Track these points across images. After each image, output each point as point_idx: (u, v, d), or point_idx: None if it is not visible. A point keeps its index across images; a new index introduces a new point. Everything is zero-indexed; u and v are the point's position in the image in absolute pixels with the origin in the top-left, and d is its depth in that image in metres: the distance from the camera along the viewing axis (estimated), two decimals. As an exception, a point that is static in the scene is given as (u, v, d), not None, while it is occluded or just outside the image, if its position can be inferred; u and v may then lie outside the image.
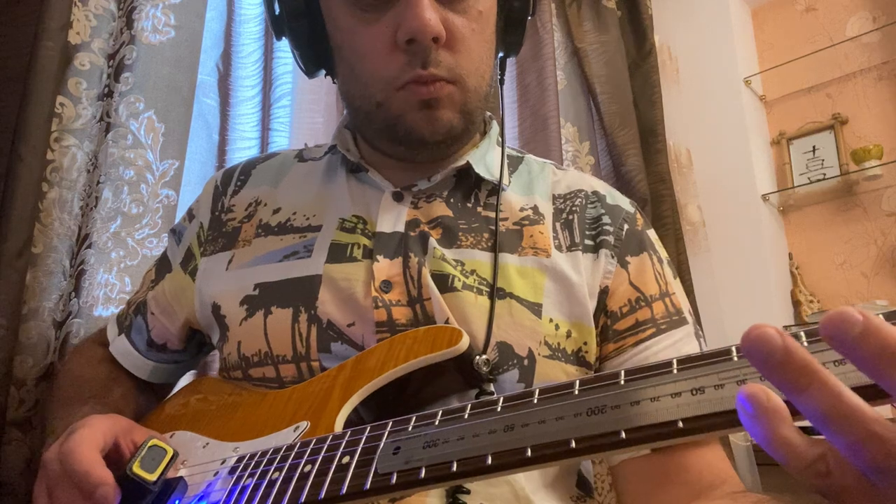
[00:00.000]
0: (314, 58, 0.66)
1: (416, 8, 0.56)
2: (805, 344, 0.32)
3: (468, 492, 0.52)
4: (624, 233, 0.66)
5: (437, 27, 0.56)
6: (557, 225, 0.66)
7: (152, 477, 0.47)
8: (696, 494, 0.53)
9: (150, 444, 0.48)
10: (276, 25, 0.66)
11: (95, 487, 0.46)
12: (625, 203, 0.70)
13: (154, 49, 1.03)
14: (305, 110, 1.25)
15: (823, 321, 0.27)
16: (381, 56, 0.59)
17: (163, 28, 1.05)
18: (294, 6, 0.63)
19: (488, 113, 0.74)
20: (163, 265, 0.75)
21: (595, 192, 0.69)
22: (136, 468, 0.47)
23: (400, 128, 0.61)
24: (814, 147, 1.93)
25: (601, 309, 0.63)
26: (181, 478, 0.50)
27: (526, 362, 0.57)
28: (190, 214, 0.75)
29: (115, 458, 0.51)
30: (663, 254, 0.69)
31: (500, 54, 0.69)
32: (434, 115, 0.60)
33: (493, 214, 0.65)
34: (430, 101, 0.59)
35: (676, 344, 0.62)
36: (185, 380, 0.81)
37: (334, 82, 0.69)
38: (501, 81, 0.70)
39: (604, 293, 0.63)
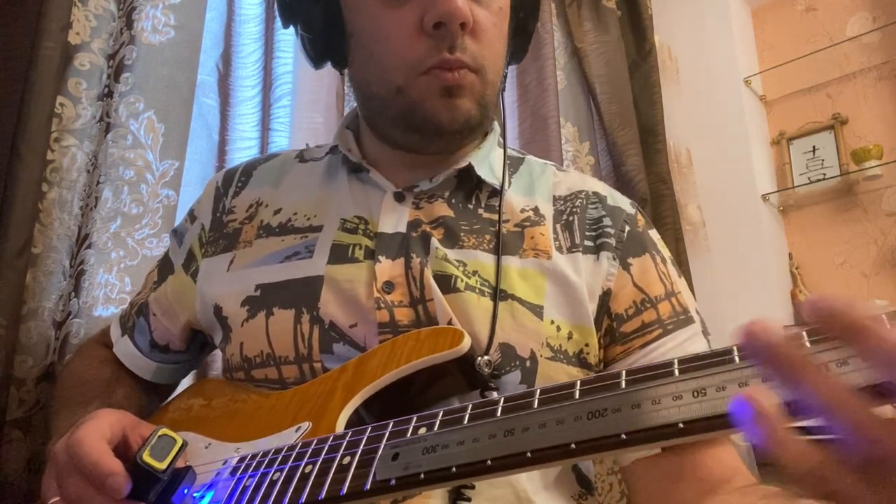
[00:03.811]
0: (325, 45, 0.65)
1: None
2: (807, 344, 0.32)
3: (471, 494, 0.52)
4: (625, 234, 0.66)
5: (466, 12, 0.57)
6: (558, 227, 0.66)
7: (162, 465, 0.47)
8: (707, 490, 0.54)
9: (159, 433, 0.48)
10: (287, 12, 0.65)
11: (106, 477, 0.46)
12: (625, 204, 0.70)
13: (154, 49, 1.02)
14: (305, 110, 1.25)
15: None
16: (406, 39, 0.58)
17: (162, 28, 1.04)
18: None
19: None
20: (165, 266, 0.75)
21: (596, 193, 0.69)
22: (146, 457, 0.47)
23: (418, 114, 0.60)
24: (814, 147, 1.93)
25: (604, 311, 0.63)
26: (189, 467, 0.50)
27: (528, 364, 0.57)
28: (191, 216, 0.75)
29: (122, 451, 0.50)
30: (666, 253, 0.69)
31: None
32: (454, 104, 0.59)
33: (494, 216, 0.64)
34: (452, 89, 0.59)
35: (683, 344, 0.62)
36: (187, 380, 0.81)
37: (341, 73, 0.69)
38: (503, 88, 0.69)
39: (606, 295, 0.63)
